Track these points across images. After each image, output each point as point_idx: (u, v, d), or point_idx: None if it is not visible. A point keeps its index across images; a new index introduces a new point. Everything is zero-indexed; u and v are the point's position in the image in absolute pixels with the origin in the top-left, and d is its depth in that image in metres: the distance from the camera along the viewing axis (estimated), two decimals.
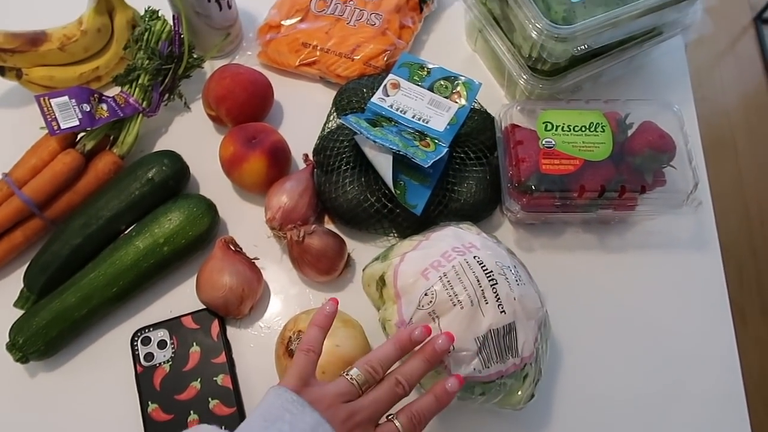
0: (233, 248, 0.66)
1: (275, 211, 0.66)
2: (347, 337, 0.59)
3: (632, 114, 0.69)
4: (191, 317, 0.66)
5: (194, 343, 0.64)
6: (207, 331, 0.65)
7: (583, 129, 0.66)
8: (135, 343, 0.64)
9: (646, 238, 0.72)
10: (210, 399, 0.62)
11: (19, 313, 0.65)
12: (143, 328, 0.65)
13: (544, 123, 0.67)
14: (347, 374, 0.49)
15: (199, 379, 0.62)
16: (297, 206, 0.67)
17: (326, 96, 0.80)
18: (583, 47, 0.64)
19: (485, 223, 0.72)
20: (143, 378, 0.63)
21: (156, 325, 0.65)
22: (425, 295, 0.54)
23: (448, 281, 0.54)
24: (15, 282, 0.68)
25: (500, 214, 0.73)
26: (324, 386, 0.48)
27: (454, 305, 0.53)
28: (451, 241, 0.58)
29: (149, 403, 0.62)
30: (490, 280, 0.54)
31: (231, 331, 0.67)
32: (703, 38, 0.77)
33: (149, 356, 0.64)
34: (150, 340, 0.64)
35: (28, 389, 0.65)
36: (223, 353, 0.64)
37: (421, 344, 0.52)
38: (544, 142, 0.66)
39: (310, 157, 0.72)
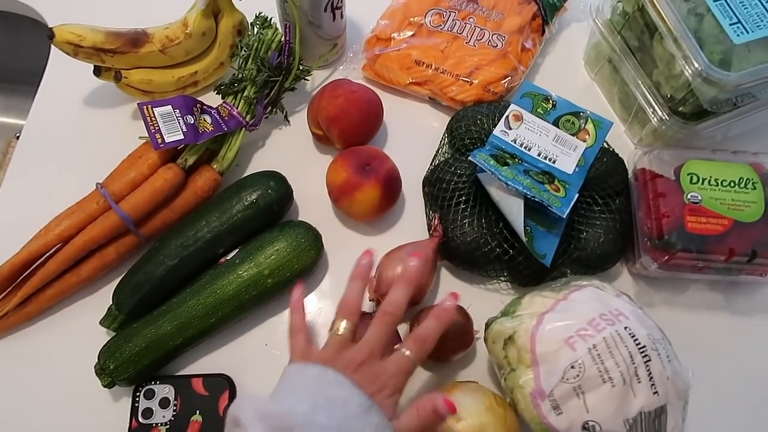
0: None
1: (382, 291, 0.59)
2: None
3: None
4: (202, 381, 0.60)
5: (198, 411, 0.58)
6: (215, 401, 0.59)
7: (732, 184, 0.61)
8: (137, 395, 0.59)
9: None
10: None
11: (102, 329, 0.62)
12: (149, 380, 0.60)
13: (689, 174, 0.61)
14: (336, 329, 0.50)
15: None
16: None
17: (435, 118, 0.75)
18: (747, 97, 0.58)
19: (603, 274, 0.66)
20: None
21: (163, 379, 0.60)
22: (572, 367, 0.49)
23: (598, 354, 0.49)
24: (101, 298, 0.65)
25: (618, 264, 0.68)
26: (324, 350, 0.50)
27: (604, 382, 0.48)
28: (597, 306, 0.52)
29: None
30: (643, 357, 0.49)
31: None
32: None
33: (148, 412, 0.58)
34: (153, 394, 0.59)
35: (109, 411, 0.61)
36: None
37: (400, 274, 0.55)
38: (689, 197, 0.60)
39: (425, 188, 0.67)
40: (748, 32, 0.59)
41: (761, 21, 0.60)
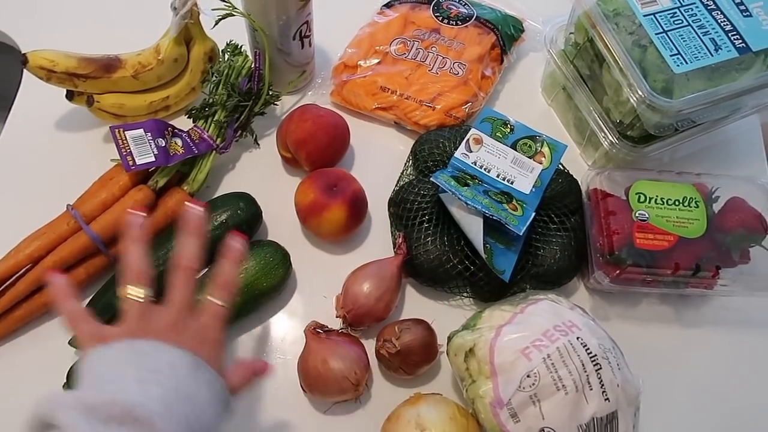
0: (323, 332, 0.61)
1: (349, 307, 0.62)
2: None
3: (721, 189, 0.67)
4: None
5: None
6: None
7: (677, 203, 0.65)
8: None
9: (723, 314, 0.70)
10: None
11: (71, 349, 0.62)
12: None
13: (636, 194, 0.65)
14: (132, 296, 0.47)
15: None
16: (373, 310, 0.62)
17: (400, 141, 0.78)
18: (687, 122, 0.63)
19: (561, 289, 0.70)
20: None
21: None
22: (527, 376, 0.52)
23: (552, 364, 0.52)
24: None
25: (575, 280, 0.71)
26: (123, 324, 0.46)
27: (558, 390, 0.51)
28: (551, 318, 0.55)
29: None
30: (594, 365, 0.52)
31: None
32: None
33: None
34: None
35: None
36: None
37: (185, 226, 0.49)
38: (637, 215, 0.64)
39: (390, 208, 0.70)
40: (687, 63, 0.64)
41: (699, 53, 0.64)
